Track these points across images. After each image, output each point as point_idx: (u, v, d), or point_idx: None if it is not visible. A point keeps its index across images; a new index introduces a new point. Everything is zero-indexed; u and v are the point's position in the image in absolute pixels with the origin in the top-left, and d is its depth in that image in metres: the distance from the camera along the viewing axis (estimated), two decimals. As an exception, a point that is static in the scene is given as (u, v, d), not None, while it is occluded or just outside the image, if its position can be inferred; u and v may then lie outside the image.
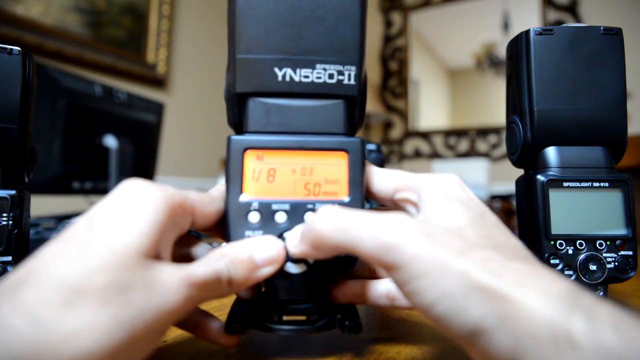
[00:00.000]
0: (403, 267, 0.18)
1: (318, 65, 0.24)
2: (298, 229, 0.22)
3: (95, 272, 0.16)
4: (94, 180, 0.96)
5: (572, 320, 0.15)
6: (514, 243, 0.20)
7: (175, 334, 0.27)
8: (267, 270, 0.22)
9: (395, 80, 2.70)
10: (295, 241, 0.22)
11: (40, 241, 0.18)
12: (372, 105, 2.40)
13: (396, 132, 2.69)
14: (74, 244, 0.18)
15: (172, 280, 0.18)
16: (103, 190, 0.98)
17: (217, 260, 0.20)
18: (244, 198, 0.23)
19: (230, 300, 0.26)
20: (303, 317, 0.23)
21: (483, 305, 0.16)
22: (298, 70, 0.23)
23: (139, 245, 0.18)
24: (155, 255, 0.19)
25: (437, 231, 0.19)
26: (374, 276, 0.27)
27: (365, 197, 0.24)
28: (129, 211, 0.19)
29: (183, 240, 0.24)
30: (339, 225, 0.20)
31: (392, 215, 0.20)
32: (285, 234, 0.23)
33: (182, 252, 0.24)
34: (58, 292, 0.15)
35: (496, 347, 0.16)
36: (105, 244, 0.17)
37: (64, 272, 0.16)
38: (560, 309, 0.16)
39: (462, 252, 0.18)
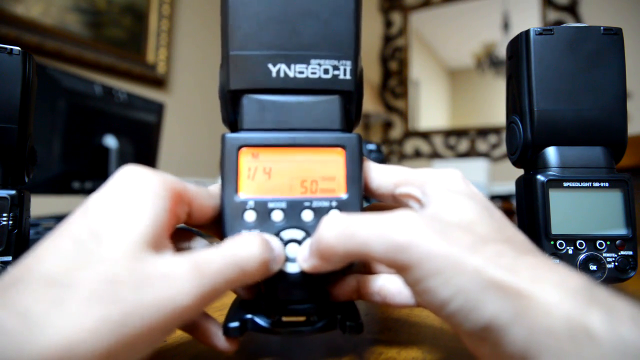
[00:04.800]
0: (415, 266, 0.18)
1: (313, 61, 0.23)
2: (307, 244, 0.22)
3: (85, 266, 0.16)
4: (94, 180, 0.96)
5: (590, 314, 0.15)
6: (522, 237, 0.20)
7: (176, 334, 0.27)
8: (280, 265, 0.21)
9: (395, 80, 2.70)
10: (305, 255, 0.22)
11: (41, 241, 0.18)
12: (372, 105, 2.39)
13: (396, 132, 2.69)
14: (68, 237, 0.17)
15: (179, 271, 0.17)
16: (103, 190, 0.98)
17: (233, 246, 0.19)
18: (239, 197, 0.23)
19: (230, 299, 0.26)
20: (303, 318, 0.23)
21: (498, 301, 0.16)
22: (292, 66, 0.23)
23: (136, 235, 0.17)
24: (156, 246, 0.18)
25: (447, 227, 0.19)
26: (369, 271, 0.26)
27: (363, 194, 0.24)
28: (126, 199, 0.18)
29: (181, 235, 0.24)
30: (345, 231, 0.19)
31: (399, 214, 0.19)
32: (286, 242, 0.23)
33: (181, 247, 0.23)
34: (48, 289, 0.15)
35: (509, 343, 0.16)
36: (97, 236, 0.17)
37: (56, 267, 0.16)
38: (577, 303, 0.15)
39: (475, 247, 0.18)
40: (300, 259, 0.22)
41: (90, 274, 0.16)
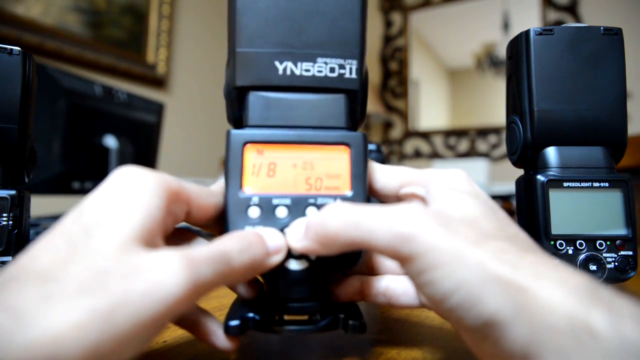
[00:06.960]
0: (418, 257, 0.18)
1: (319, 59, 0.23)
2: (300, 223, 0.22)
3: (74, 260, 0.16)
4: (94, 180, 0.96)
5: (592, 313, 0.15)
6: (524, 236, 0.20)
7: (176, 334, 0.27)
8: (277, 258, 0.21)
9: (395, 80, 2.70)
10: (299, 235, 0.21)
11: (40, 241, 0.18)
12: (372, 105, 2.39)
13: (396, 132, 2.69)
14: (60, 234, 0.17)
15: (169, 263, 0.16)
16: (103, 190, 0.98)
17: (224, 240, 0.19)
18: (243, 193, 0.23)
19: (229, 301, 0.26)
20: (305, 317, 0.23)
21: (500, 296, 0.16)
22: (299, 64, 0.23)
23: (127, 230, 0.17)
24: (148, 242, 0.18)
25: (452, 221, 0.19)
26: (372, 272, 0.26)
27: (367, 194, 0.24)
28: (120, 197, 0.18)
29: (181, 235, 0.24)
30: (351, 220, 0.19)
31: (405, 206, 0.19)
32: (286, 230, 0.22)
33: (180, 247, 0.23)
34: (39, 285, 0.15)
35: (511, 339, 0.16)
36: (88, 232, 0.17)
37: (47, 264, 0.16)
38: (580, 302, 0.15)
39: (478, 242, 0.18)
40: (291, 238, 0.21)
41: (79, 267, 0.16)
